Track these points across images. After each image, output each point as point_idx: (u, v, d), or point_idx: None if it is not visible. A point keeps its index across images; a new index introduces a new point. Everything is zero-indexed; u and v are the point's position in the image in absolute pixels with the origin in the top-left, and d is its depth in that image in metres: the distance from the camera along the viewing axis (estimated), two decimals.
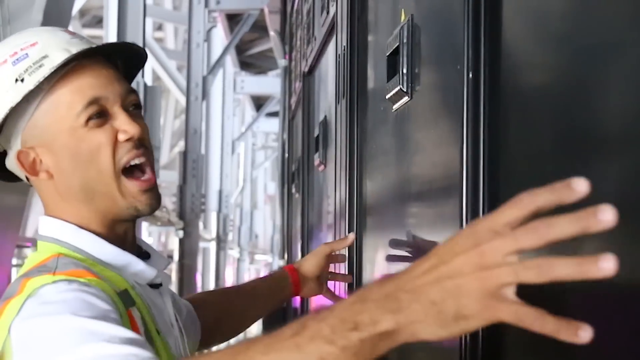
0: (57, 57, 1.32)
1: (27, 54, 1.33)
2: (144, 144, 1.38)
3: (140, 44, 7.35)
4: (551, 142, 0.97)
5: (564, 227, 0.75)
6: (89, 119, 1.33)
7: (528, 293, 0.81)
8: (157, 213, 11.22)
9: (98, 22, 15.37)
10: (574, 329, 0.75)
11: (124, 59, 1.44)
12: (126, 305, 1.26)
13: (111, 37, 7.58)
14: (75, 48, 1.34)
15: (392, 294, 0.84)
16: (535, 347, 0.98)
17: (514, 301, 0.79)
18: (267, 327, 4.96)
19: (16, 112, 1.33)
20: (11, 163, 1.41)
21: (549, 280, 0.76)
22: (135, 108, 1.39)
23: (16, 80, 1.32)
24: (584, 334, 0.74)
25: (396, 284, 0.84)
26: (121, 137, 1.34)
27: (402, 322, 0.83)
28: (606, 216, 0.72)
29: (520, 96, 1.08)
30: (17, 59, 1.33)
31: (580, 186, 0.74)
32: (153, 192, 1.38)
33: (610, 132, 0.82)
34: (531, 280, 0.77)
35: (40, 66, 1.32)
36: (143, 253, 1.46)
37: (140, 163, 1.37)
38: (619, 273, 0.74)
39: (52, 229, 1.37)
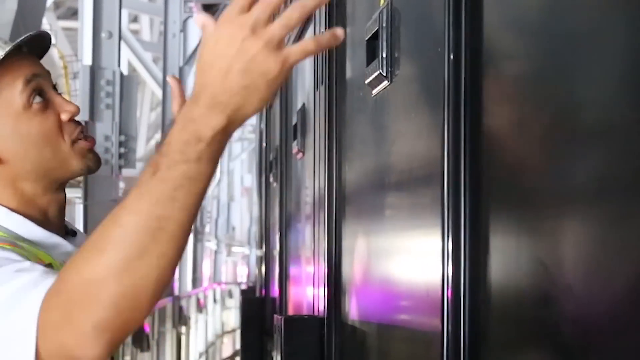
0: None
1: None
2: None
3: (117, 36, 7.30)
4: (535, 127, 0.95)
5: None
6: (31, 98, 1.45)
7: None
8: None
9: (73, 14, 15.28)
10: (331, 35, 1.03)
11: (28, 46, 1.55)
12: None
13: (87, 29, 7.49)
14: (6, 45, 1.46)
15: (212, 102, 1.04)
16: (513, 341, 0.97)
17: (289, 48, 1.04)
18: (246, 324, 4.91)
19: None
20: None
21: (297, 21, 1.02)
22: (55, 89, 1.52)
23: None
24: (338, 32, 1.02)
25: (210, 95, 1.05)
26: (64, 117, 1.49)
27: (232, 114, 1.05)
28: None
29: (502, 80, 1.06)
30: None
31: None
32: (95, 152, 1.54)
33: (592, 117, 0.81)
34: (290, 25, 1.02)
35: None
36: (69, 231, 1.58)
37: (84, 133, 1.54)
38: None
39: None
